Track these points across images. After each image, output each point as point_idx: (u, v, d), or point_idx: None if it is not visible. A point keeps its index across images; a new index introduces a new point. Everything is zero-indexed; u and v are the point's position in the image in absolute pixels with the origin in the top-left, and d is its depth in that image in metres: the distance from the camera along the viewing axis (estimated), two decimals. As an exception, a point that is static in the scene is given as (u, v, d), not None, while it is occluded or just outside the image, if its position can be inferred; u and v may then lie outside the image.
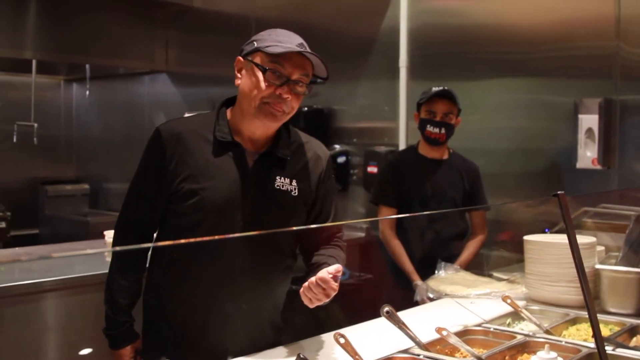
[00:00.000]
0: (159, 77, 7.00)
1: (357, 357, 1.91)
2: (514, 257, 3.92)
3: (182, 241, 2.13)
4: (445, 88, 3.70)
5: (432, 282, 3.25)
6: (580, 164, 4.06)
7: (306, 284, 2.08)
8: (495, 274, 3.41)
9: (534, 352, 2.28)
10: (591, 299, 1.78)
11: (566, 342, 2.32)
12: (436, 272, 3.42)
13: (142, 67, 6.99)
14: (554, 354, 1.78)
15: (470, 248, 3.82)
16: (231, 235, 2.16)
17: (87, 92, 7.40)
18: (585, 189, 4.09)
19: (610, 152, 4.01)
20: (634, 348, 2.28)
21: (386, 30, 5.06)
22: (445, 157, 3.84)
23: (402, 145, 4.96)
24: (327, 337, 2.36)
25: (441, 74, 4.74)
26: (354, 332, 2.42)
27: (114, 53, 6.64)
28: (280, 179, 2.27)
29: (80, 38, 6.21)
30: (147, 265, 2.38)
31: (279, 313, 2.41)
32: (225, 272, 2.22)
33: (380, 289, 4.05)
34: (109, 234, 4.30)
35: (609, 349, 2.24)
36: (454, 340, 2.12)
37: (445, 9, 4.77)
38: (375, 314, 2.38)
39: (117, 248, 2.41)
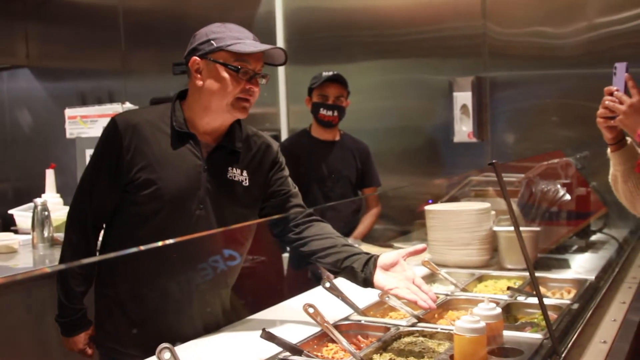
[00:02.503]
0: (20, 72, 6.78)
1: (325, 324, 2.05)
2: (406, 229, 4.19)
3: (132, 250, 2.20)
4: (336, 72, 3.89)
5: (340, 257, 3.42)
6: (457, 138, 4.39)
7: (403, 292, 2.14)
8: (396, 245, 3.64)
9: (457, 309, 2.52)
10: (529, 262, 2.01)
11: (483, 297, 2.55)
12: (340, 247, 3.61)
13: (0, 62, 6.72)
14: (493, 305, 1.99)
15: (365, 221, 4.06)
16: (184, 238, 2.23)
17: (-59, 91, 7.03)
18: (462, 161, 4.43)
19: (483, 125, 4.37)
20: (545, 296, 2.56)
21: (262, 16, 5.18)
22: (337, 138, 4.04)
23: (283, 130, 5.11)
24: (265, 314, 2.54)
25: (318, 57, 4.93)
26: (291, 308, 2.56)
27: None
28: (232, 169, 2.37)
29: None
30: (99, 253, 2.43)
31: (229, 295, 2.53)
32: (178, 259, 2.30)
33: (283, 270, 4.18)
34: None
35: (521, 298, 2.51)
36: (394, 302, 2.29)
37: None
38: (290, 293, 2.55)
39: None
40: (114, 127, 2.29)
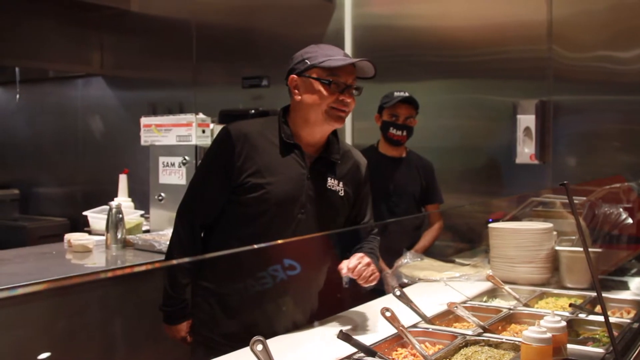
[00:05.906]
0: (94, 80, 7.02)
1: (401, 327, 2.18)
2: (467, 245, 4.30)
3: (234, 250, 2.44)
4: (408, 94, 4.03)
5: (403, 269, 3.55)
6: (519, 160, 4.46)
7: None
8: (458, 260, 3.75)
9: (519, 323, 2.63)
10: (597, 280, 2.11)
11: (545, 312, 2.65)
12: (403, 260, 3.74)
13: (76, 70, 6.99)
14: (558, 318, 2.09)
15: (427, 236, 4.18)
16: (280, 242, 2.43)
17: (17, 96, 7.34)
18: (523, 182, 4.50)
19: (545, 148, 4.43)
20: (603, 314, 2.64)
21: (331, 34, 5.30)
22: (404, 155, 4.18)
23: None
24: (348, 314, 2.75)
25: (385, 76, 4.98)
26: (362, 313, 2.71)
27: (46, 56, 6.62)
28: (331, 179, 2.59)
29: (9, 40, 6.16)
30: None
31: (317, 297, 2.74)
32: (275, 259, 2.51)
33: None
34: (74, 237, 4.35)
35: (582, 315, 2.61)
36: (461, 312, 2.42)
37: (389, 13, 5.08)
38: (363, 299, 2.71)
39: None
40: (227, 135, 2.52)
